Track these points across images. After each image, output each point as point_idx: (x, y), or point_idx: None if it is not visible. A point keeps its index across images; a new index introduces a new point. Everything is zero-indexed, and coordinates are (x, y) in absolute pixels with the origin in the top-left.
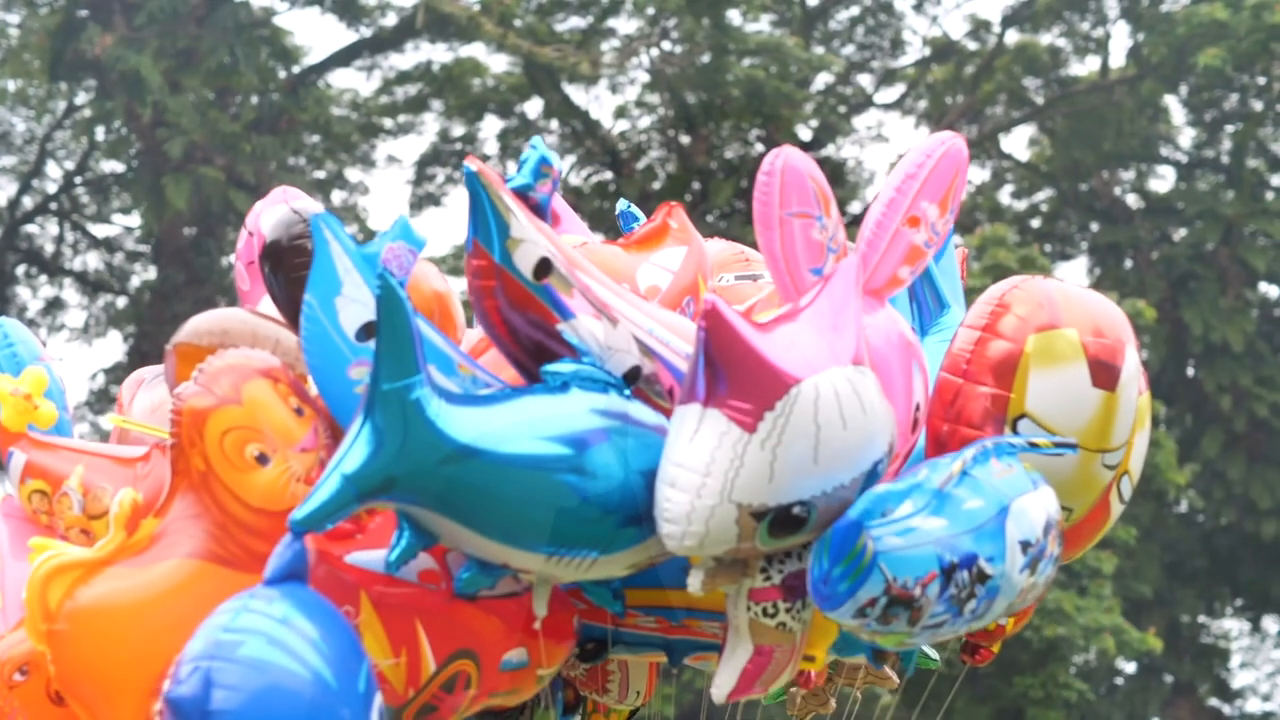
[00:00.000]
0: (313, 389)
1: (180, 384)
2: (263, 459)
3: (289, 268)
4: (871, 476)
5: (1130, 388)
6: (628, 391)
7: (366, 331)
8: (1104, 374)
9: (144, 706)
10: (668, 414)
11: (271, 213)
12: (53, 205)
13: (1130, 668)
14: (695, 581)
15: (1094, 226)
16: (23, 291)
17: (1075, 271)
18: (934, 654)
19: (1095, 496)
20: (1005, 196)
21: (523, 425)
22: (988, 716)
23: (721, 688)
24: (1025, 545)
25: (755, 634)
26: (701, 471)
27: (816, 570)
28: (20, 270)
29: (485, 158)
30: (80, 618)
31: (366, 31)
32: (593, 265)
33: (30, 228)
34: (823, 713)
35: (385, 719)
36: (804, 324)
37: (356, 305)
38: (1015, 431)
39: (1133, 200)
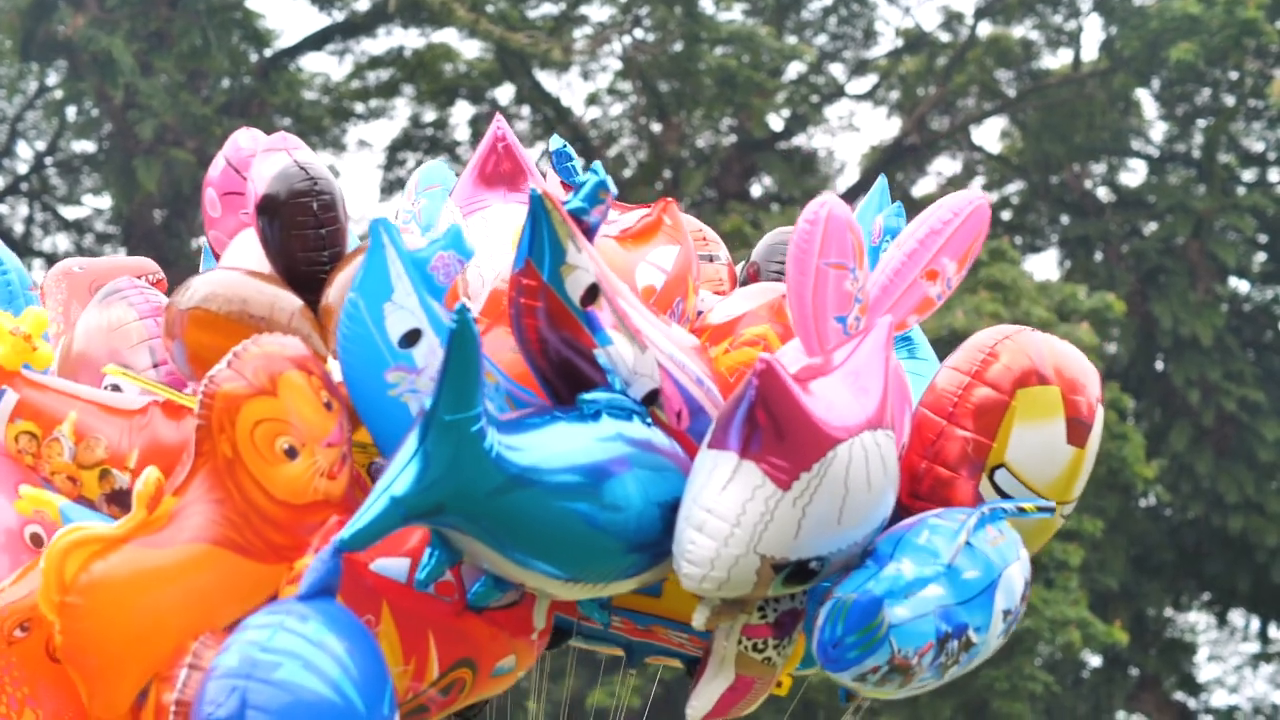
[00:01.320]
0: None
1: (194, 352)
2: (291, 453)
3: (287, 223)
4: (879, 531)
5: (1095, 444)
6: (649, 419)
7: (409, 339)
8: (1078, 431)
9: (140, 685)
10: (676, 436)
11: (272, 162)
12: (23, 186)
13: (1096, 660)
14: (700, 618)
15: (1064, 219)
16: None
17: (1045, 264)
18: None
19: (1046, 540)
20: (976, 188)
21: (563, 455)
22: (952, 709)
23: (697, 710)
24: (1006, 613)
25: (741, 665)
26: (731, 521)
27: (828, 634)
28: None
29: (455, 144)
30: (93, 592)
31: (339, 16)
32: (627, 288)
33: (0, 207)
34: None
35: None
36: (838, 382)
37: (404, 312)
38: (991, 479)
39: (1103, 193)
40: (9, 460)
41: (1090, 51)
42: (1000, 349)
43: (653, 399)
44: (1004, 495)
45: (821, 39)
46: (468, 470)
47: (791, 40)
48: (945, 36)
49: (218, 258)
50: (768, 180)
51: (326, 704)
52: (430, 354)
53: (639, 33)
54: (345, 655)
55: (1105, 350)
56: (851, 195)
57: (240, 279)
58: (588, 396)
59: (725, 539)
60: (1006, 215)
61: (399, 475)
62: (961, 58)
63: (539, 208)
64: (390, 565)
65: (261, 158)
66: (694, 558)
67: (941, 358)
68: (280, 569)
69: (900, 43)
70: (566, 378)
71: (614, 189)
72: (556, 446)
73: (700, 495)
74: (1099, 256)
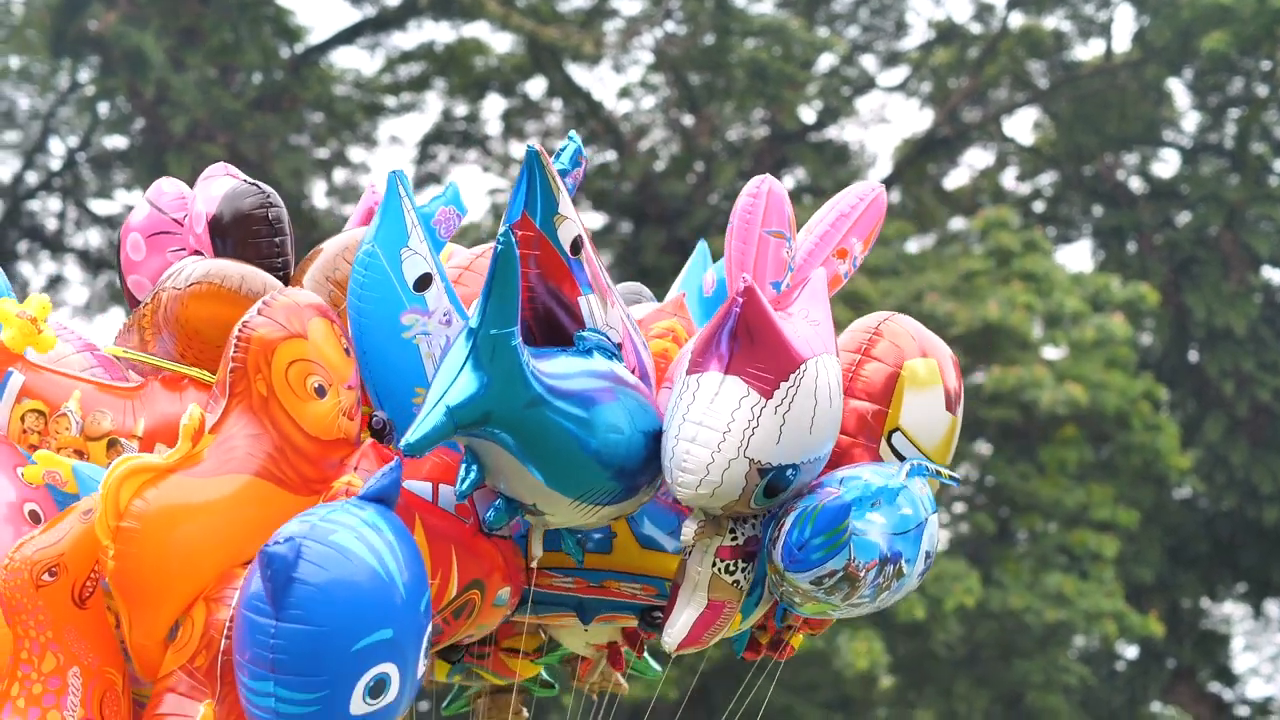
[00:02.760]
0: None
1: (194, 328)
2: (320, 391)
3: (244, 235)
4: (826, 460)
5: (960, 412)
6: (622, 361)
7: (422, 283)
8: (951, 399)
9: (180, 611)
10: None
11: (218, 185)
12: (55, 182)
13: (1131, 652)
14: (689, 529)
15: (1097, 210)
16: (25, 268)
17: (1078, 254)
18: (656, 665)
19: None
20: (1008, 180)
21: (569, 381)
22: (988, 700)
23: (674, 637)
24: (927, 555)
25: (713, 589)
26: (722, 429)
27: (795, 536)
28: (22, 247)
29: (486, 138)
30: (147, 517)
31: (370, 10)
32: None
33: (33, 204)
34: (614, 689)
35: (430, 647)
36: (796, 317)
37: (418, 258)
38: (889, 442)
39: (1136, 184)
40: (6, 444)
41: (1122, 42)
42: (882, 329)
43: (620, 356)
44: (901, 458)
45: (853, 31)
46: (510, 381)
47: (823, 32)
48: (977, 28)
49: (136, 302)
50: (800, 173)
51: (372, 574)
52: (438, 298)
53: (670, 25)
54: (395, 543)
55: (1139, 341)
56: (884, 187)
57: (231, 263)
58: (583, 334)
59: (718, 445)
60: (1039, 206)
61: (450, 387)
62: (993, 49)
63: (534, 162)
64: (415, 486)
65: (204, 184)
66: (689, 466)
67: (978, 350)
68: (311, 501)
69: (932, 34)
70: (547, 329)
71: (587, 158)
72: (566, 375)
73: (689, 412)
74: (1132, 247)
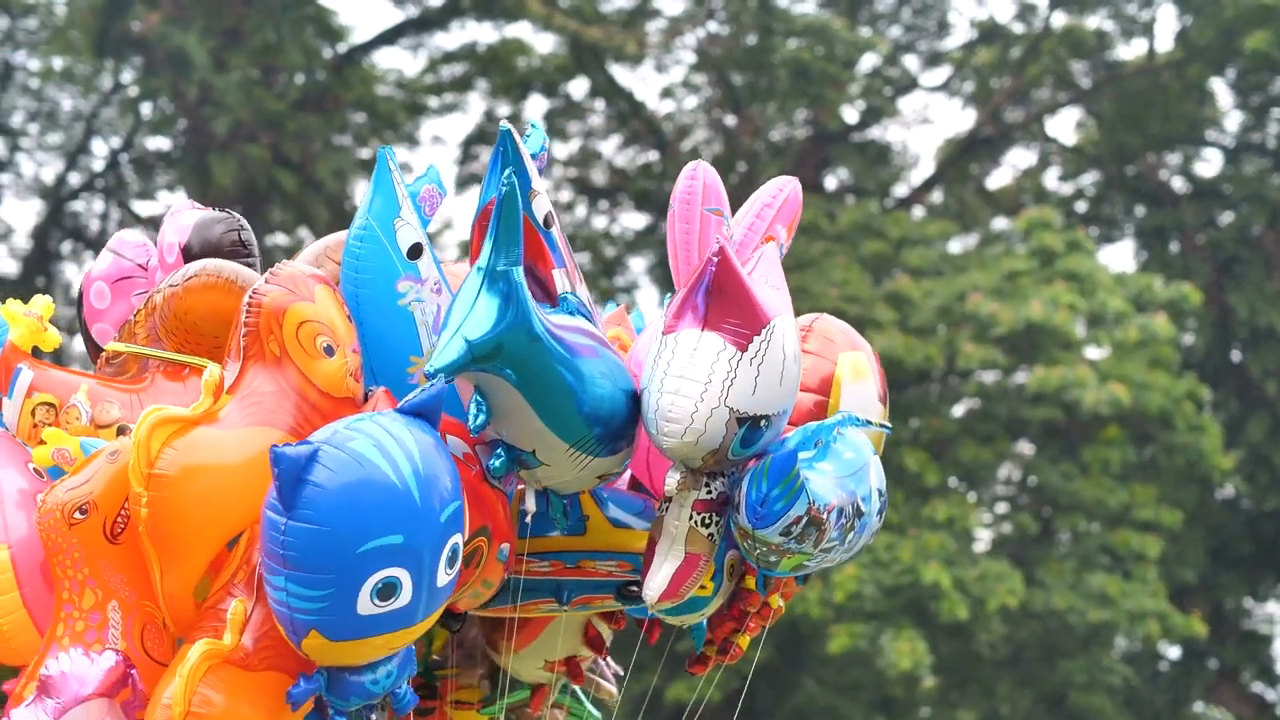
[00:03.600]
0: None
1: (193, 322)
2: (329, 350)
3: (219, 256)
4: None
5: (886, 408)
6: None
7: (414, 252)
8: (882, 392)
9: (210, 559)
10: None
11: (184, 217)
12: (98, 183)
13: (1174, 653)
14: (673, 479)
15: (1140, 210)
16: (68, 268)
17: (1121, 254)
18: (595, 712)
19: None
20: (1051, 180)
21: (563, 330)
22: (1031, 700)
23: (655, 589)
24: (880, 493)
25: (690, 541)
26: (703, 380)
27: (755, 494)
28: (65, 248)
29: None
30: (177, 464)
31: (413, 11)
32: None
33: (76, 205)
34: None
35: (457, 558)
36: (759, 281)
37: (409, 228)
38: None
39: (1179, 184)
40: (15, 443)
41: (1165, 41)
42: (814, 326)
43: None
44: None
45: (895, 31)
46: (518, 314)
47: (865, 32)
48: (1019, 28)
49: (99, 350)
50: (843, 173)
51: (385, 483)
52: (429, 268)
53: (713, 25)
54: (418, 455)
55: (1182, 341)
56: (927, 187)
57: (224, 261)
58: (565, 294)
59: (700, 395)
60: (1082, 206)
61: (466, 319)
62: (1036, 49)
63: (509, 138)
64: None
65: (171, 218)
66: (674, 415)
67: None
68: None
69: (974, 34)
70: None
71: (549, 149)
72: (557, 324)
73: (670, 367)
74: (1175, 247)
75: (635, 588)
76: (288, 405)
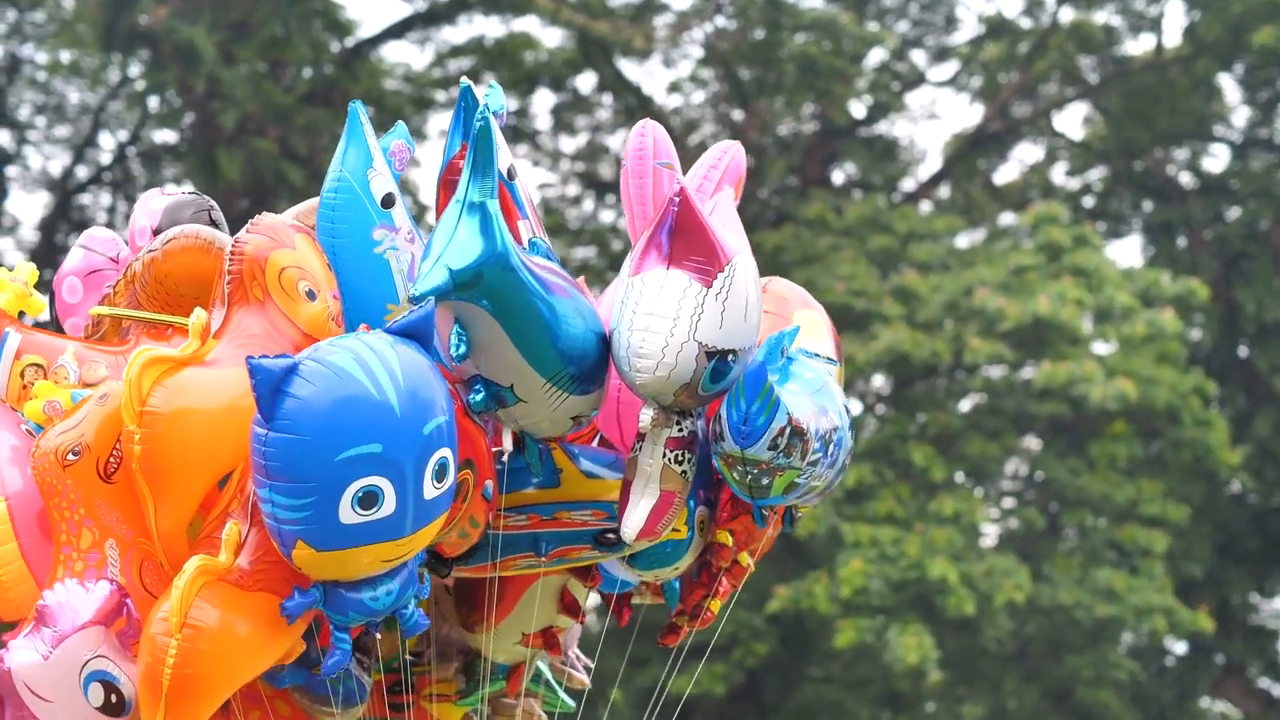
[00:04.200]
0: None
1: (172, 285)
2: (311, 295)
3: None
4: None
5: (841, 367)
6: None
7: (387, 201)
8: (838, 350)
9: (201, 498)
10: None
11: (155, 202)
12: (105, 176)
13: (1181, 648)
14: (647, 415)
15: (1147, 205)
16: None
17: (1128, 250)
18: (569, 700)
19: None
20: (1058, 175)
21: (536, 267)
22: (1037, 695)
23: (632, 527)
24: (846, 409)
25: (664, 479)
26: (672, 316)
27: (735, 414)
28: (73, 241)
29: (537, 133)
30: (169, 401)
31: (420, 4)
32: None
33: (83, 198)
34: None
35: (446, 473)
36: (717, 223)
37: (381, 178)
38: None
39: (1186, 179)
40: (4, 407)
41: (1173, 37)
42: (768, 287)
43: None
44: None
45: (903, 26)
46: (493, 245)
47: (873, 27)
48: (1027, 23)
49: None
50: (850, 167)
51: (361, 391)
52: (403, 217)
53: (720, 20)
54: (399, 369)
55: (1189, 336)
56: (934, 182)
57: (199, 225)
58: (533, 239)
59: (670, 330)
60: (1089, 201)
61: (447, 248)
62: (1043, 44)
63: (469, 96)
64: None
65: (142, 202)
66: (645, 351)
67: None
68: None
69: (982, 29)
70: None
71: (507, 108)
72: (531, 260)
73: (639, 305)
74: (1182, 242)
75: (612, 534)
76: (274, 344)
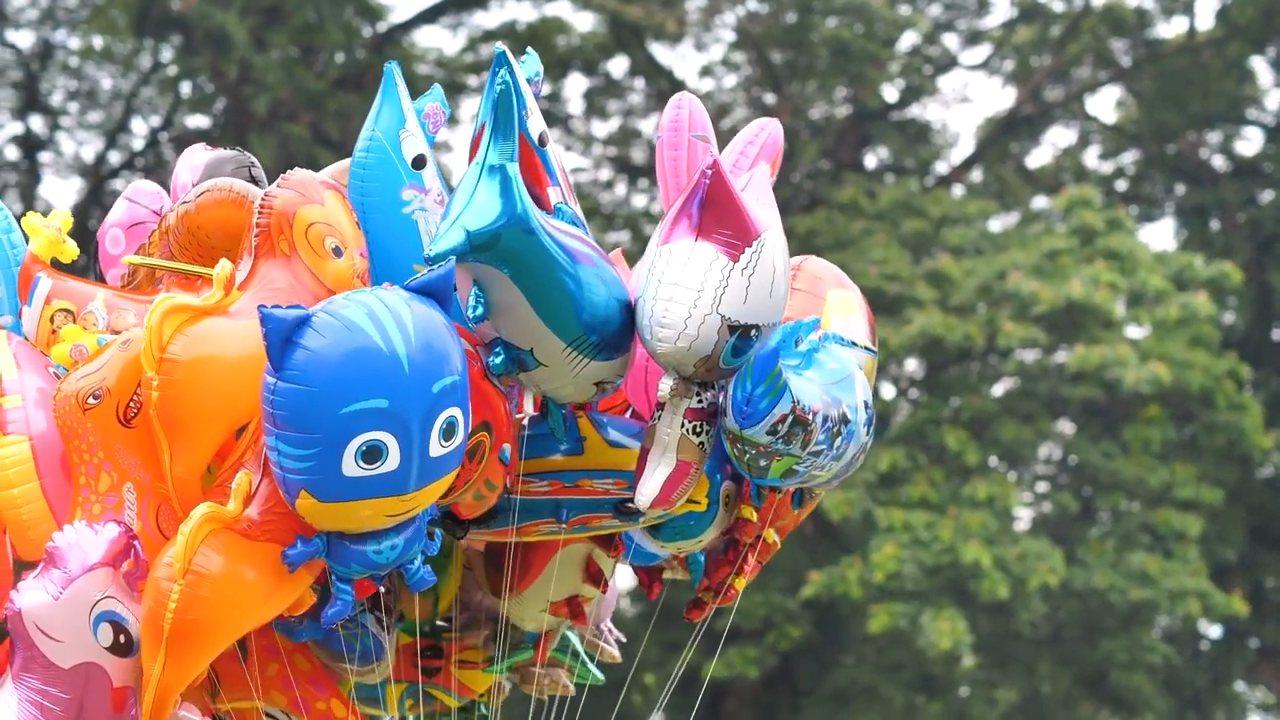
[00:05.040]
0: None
1: (203, 237)
2: (338, 251)
3: None
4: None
5: (876, 349)
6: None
7: (418, 162)
8: (872, 332)
9: (218, 445)
10: None
11: (197, 157)
12: (138, 162)
13: (1215, 631)
14: (666, 384)
15: (1180, 188)
16: None
17: (1161, 233)
18: (599, 674)
19: None
20: (1091, 158)
21: (559, 232)
22: (1071, 679)
23: (647, 495)
24: (866, 404)
25: (681, 449)
26: (696, 288)
27: (740, 394)
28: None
29: (569, 117)
30: (189, 349)
31: None
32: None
33: (116, 184)
34: (561, 693)
35: (455, 432)
36: (749, 198)
37: (414, 139)
38: None
39: (1219, 162)
40: (35, 350)
41: (1205, 19)
42: (803, 266)
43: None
44: None
45: (935, 9)
46: (512, 207)
47: (905, 10)
48: (1059, 6)
49: None
50: (882, 151)
51: (371, 345)
52: (433, 179)
53: (752, 3)
54: (411, 325)
55: (1222, 319)
56: (967, 166)
57: (233, 179)
58: (560, 205)
59: (694, 302)
60: (1122, 185)
61: (465, 210)
62: (1076, 27)
63: (504, 59)
64: None
65: (185, 158)
66: (668, 321)
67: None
68: None
69: (1014, 12)
70: None
71: (543, 75)
72: (554, 225)
73: (665, 275)
74: (1215, 225)
75: (632, 504)
76: (298, 297)
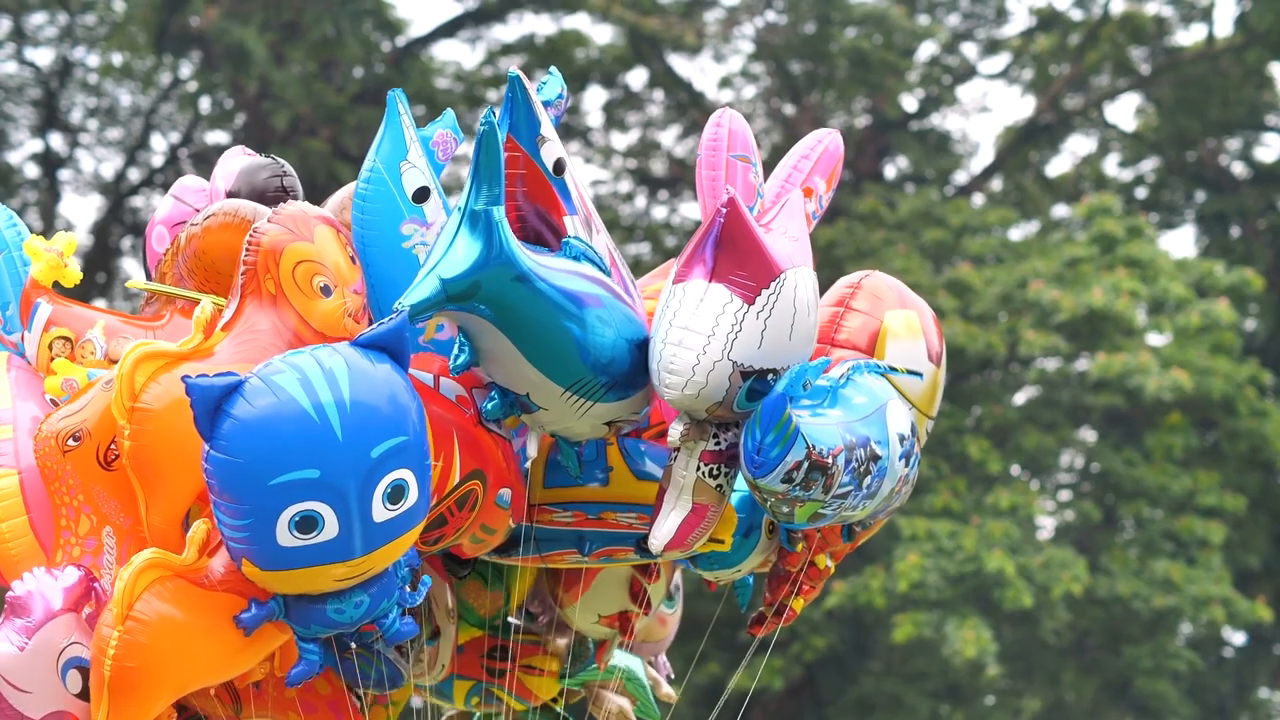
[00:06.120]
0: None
1: (210, 260)
2: (326, 290)
3: (260, 201)
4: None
5: (944, 368)
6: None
7: (420, 195)
8: (934, 352)
9: (197, 492)
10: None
11: (234, 162)
12: (157, 178)
13: (1239, 638)
14: (676, 430)
15: (1200, 195)
16: (128, 264)
17: (1182, 240)
18: (657, 710)
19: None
20: (1111, 166)
21: (555, 275)
22: (1096, 687)
23: (661, 539)
24: (901, 437)
25: (698, 492)
26: (707, 333)
27: (750, 443)
28: (125, 243)
29: (588, 129)
30: (163, 397)
31: (471, 3)
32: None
33: (135, 200)
34: None
35: (405, 495)
36: (775, 232)
37: (416, 171)
38: None
39: (1239, 169)
40: (36, 375)
41: (1224, 26)
42: (863, 284)
43: (609, 274)
44: None
45: (954, 19)
46: (495, 254)
47: (924, 20)
48: (1078, 14)
49: None
50: (902, 161)
51: (300, 414)
52: (436, 212)
53: (771, 15)
54: (347, 389)
55: (1244, 326)
56: (987, 175)
57: (245, 201)
58: (570, 239)
59: (703, 348)
60: (1142, 193)
61: (443, 258)
62: (1094, 35)
63: (517, 85)
64: (418, 375)
65: (223, 163)
66: (675, 368)
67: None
68: None
69: (1033, 21)
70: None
71: (568, 96)
72: (552, 266)
73: (675, 317)
74: (1236, 232)
75: None
76: (280, 344)
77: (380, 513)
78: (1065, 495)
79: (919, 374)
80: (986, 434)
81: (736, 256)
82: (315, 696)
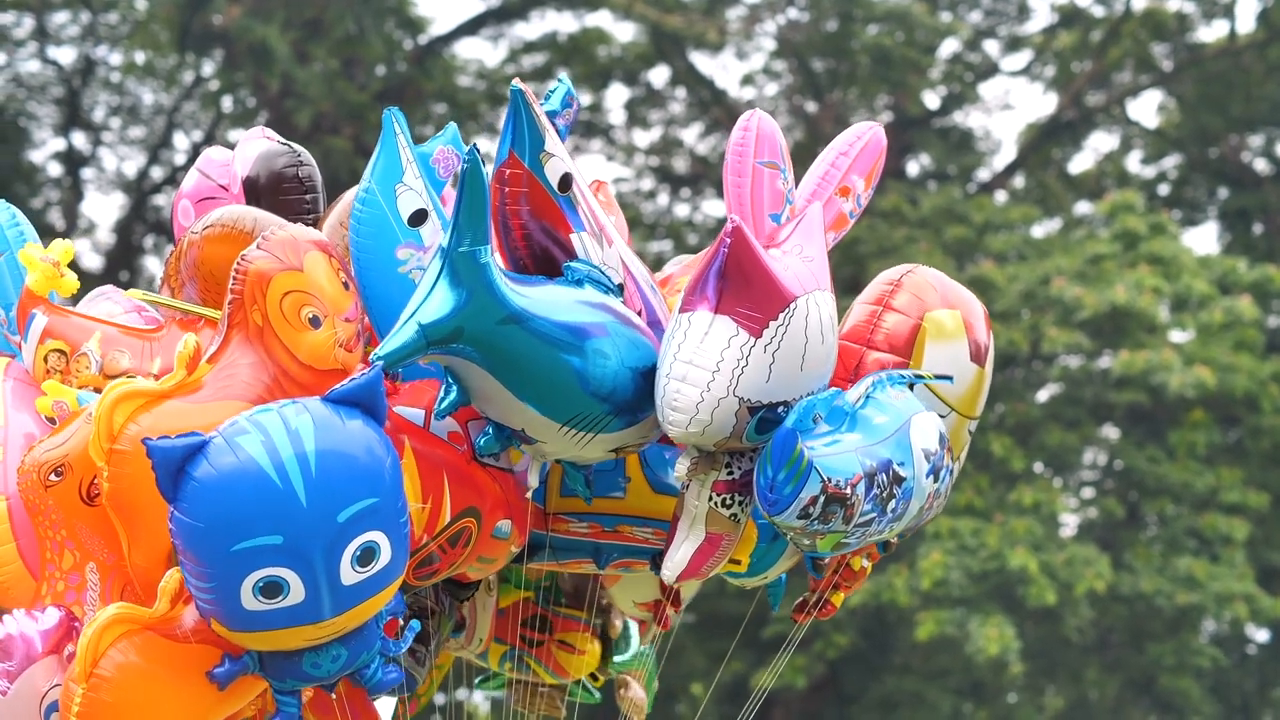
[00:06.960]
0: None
1: (209, 270)
2: (315, 321)
3: (275, 191)
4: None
5: (990, 366)
6: (621, 299)
7: (417, 218)
8: (979, 351)
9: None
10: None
11: (254, 145)
12: (180, 177)
13: (1263, 635)
14: (682, 467)
15: (1223, 192)
16: (150, 262)
17: (1204, 237)
18: (595, 693)
19: (959, 453)
20: (1133, 163)
21: (553, 308)
22: (1119, 685)
23: (674, 569)
24: (927, 454)
25: (710, 522)
26: (711, 368)
27: (762, 480)
28: (148, 241)
29: (610, 127)
30: (140, 440)
31: (493, 1)
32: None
33: (158, 199)
34: (554, 715)
35: (375, 557)
36: (789, 254)
37: (412, 193)
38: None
39: (1262, 165)
40: (32, 385)
41: (1246, 23)
42: (904, 280)
43: (619, 291)
44: None
45: (976, 16)
46: (479, 297)
47: (946, 17)
48: (1100, 11)
49: None
50: (924, 158)
51: (261, 479)
52: (434, 234)
53: (793, 12)
54: (313, 450)
55: (1267, 323)
56: (1009, 172)
57: (247, 208)
58: (572, 264)
59: (707, 384)
60: (1164, 189)
61: (423, 303)
62: (1116, 32)
63: (519, 100)
64: (408, 412)
65: (242, 147)
66: (679, 405)
67: (1105, 334)
68: None
69: (1055, 18)
70: (545, 266)
71: (579, 101)
72: (548, 300)
73: (680, 351)
74: (1258, 229)
75: None
76: (263, 378)
77: (349, 575)
78: (1088, 492)
79: (949, 378)
80: (1010, 431)
81: (742, 287)
82: (325, 699)
